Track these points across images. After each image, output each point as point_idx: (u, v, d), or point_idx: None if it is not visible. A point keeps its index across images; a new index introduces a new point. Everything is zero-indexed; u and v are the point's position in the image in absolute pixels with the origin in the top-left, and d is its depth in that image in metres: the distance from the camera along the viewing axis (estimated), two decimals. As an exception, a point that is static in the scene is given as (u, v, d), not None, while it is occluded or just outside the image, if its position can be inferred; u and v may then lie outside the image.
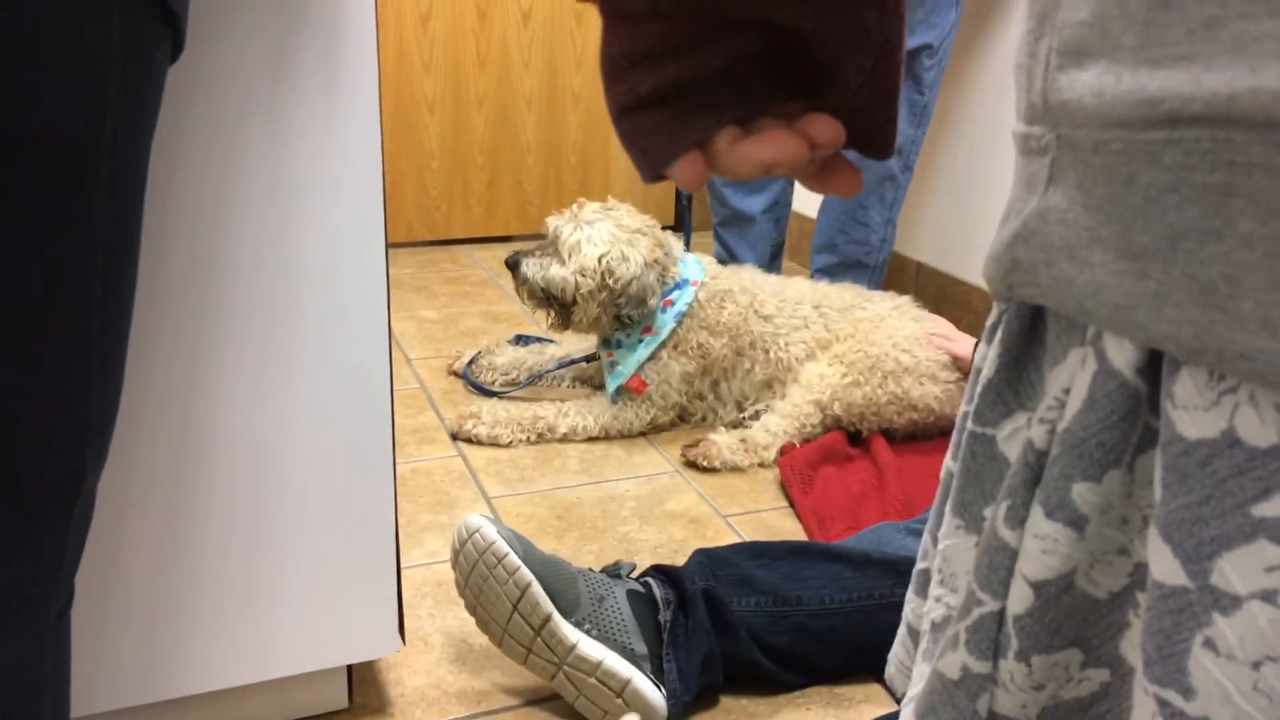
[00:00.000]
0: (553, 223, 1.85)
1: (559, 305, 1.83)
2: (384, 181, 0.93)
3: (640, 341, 1.82)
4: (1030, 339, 0.40)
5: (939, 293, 2.44)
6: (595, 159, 3.18)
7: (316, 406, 0.95)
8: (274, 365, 0.93)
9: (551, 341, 2.12)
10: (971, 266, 2.38)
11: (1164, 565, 0.33)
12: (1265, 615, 0.30)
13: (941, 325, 1.88)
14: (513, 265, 1.86)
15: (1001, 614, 0.40)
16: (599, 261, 1.76)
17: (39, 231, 0.55)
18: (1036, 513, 0.38)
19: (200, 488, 0.93)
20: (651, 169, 0.39)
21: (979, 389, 0.42)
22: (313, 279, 0.92)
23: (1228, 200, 0.30)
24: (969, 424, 0.43)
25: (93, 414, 0.61)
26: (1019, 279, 0.38)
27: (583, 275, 1.76)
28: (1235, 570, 0.31)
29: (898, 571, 1.18)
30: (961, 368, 1.80)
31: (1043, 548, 0.37)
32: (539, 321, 2.36)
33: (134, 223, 0.62)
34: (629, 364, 1.81)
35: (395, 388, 1.95)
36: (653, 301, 1.79)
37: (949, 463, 0.46)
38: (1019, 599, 0.39)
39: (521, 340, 2.17)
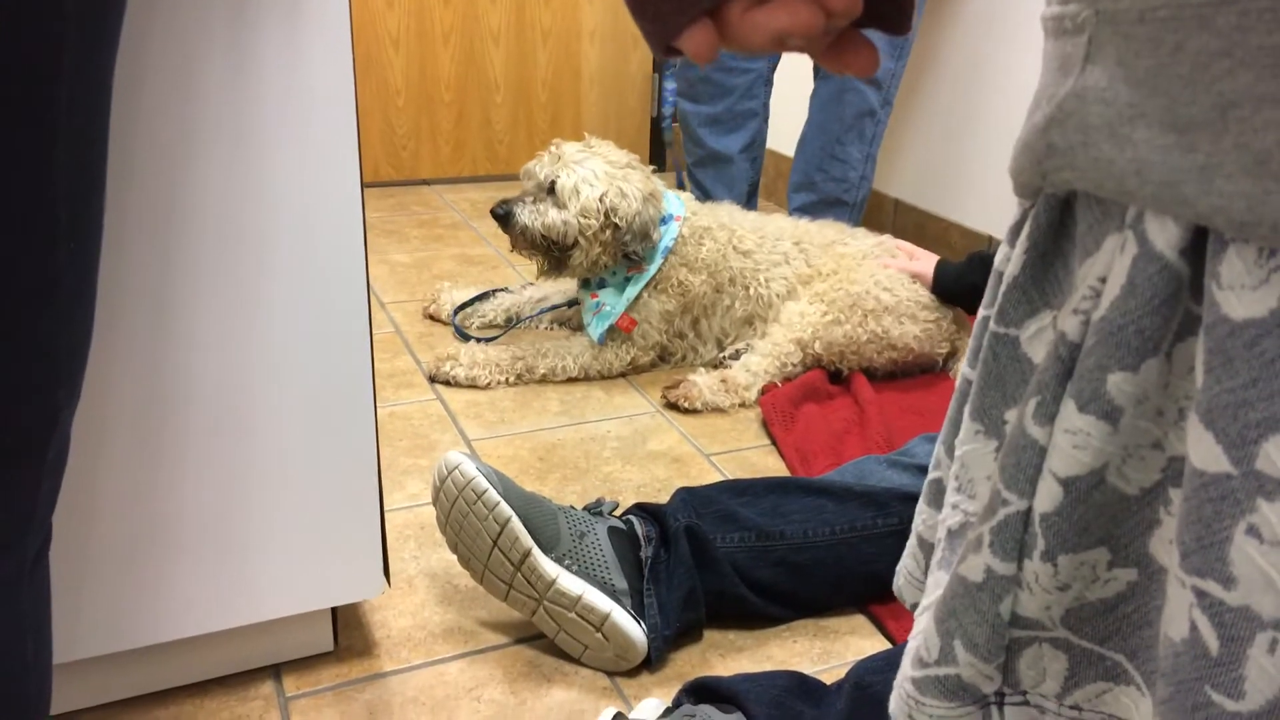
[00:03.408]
0: (537, 167, 1.78)
1: (558, 250, 1.77)
2: (357, 116, 0.90)
3: (628, 280, 1.80)
4: (1058, 234, 0.39)
5: (918, 230, 2.44)
6: (566, 96, 3.11)
7: (294, 349, 0.93)
8: (250, 307, 0.90)
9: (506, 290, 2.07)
10: (951, 203, 2.37)
11: (1205, 452, 0.32)
12: None
13: (903, 245, 1.88)
14: (504, 215, 1.78)
15: (1028, 514, 0.39)
16: (600, 201, 1.72)
17: None
18: (1068, 407, 0.37)
19: (179, 432, 0.91)
20: (661, 39, 0.37)
21: (1002, 289, 0.41)
22: (287, 220, 0.89)
23: (1241, 67, 0.29)
24: (990, 326, 0.42)
25: (63, 351, 0.58)
26: (1054, 164, 0.37)
27: (584, 217, 1.72)
28: (1276, 455, 0.30)
29: (879, 503, 1.19)
30: (924, 284, 1.79)
31: (1074, 443, 0.37)
32: (515, 265, 2.33)
33: (98, 152, 0.59)
34: (618, 303, 1.79)
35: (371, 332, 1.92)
36: (655, 234, 1.77)
37: (965, 370, 0.45)
38: (1047, 497, 0.38)
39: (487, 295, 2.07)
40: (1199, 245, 0.33)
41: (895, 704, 0.47)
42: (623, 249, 1.75)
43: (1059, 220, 0.39)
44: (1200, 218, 0.32)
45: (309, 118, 0.87)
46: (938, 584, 0.45)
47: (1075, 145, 0.35)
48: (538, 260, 1.82)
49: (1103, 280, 0.36)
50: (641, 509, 1.18)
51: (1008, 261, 0.42)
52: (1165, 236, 0.33)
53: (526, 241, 1.78)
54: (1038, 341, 0.40)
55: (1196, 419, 0.33)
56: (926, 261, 1.80)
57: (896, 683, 0.47)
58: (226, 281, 0.89)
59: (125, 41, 0.65)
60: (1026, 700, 0.44)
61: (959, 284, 1.75)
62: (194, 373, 0.90)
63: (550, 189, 1.76)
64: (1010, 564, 0.40)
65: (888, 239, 1.91)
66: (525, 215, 1.76)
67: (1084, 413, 0.36)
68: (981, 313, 0.44)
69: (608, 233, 1.73)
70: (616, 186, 1.73)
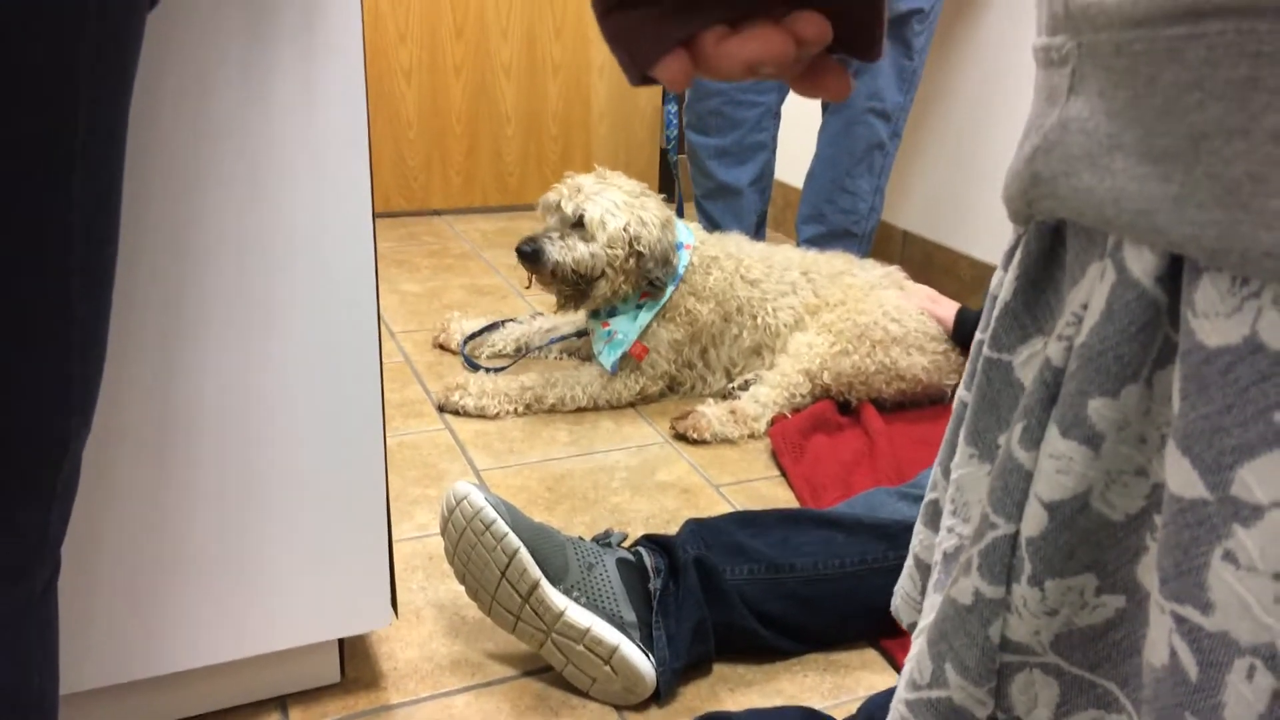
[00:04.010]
0: (561, 201, 1.77)
1: (584, 283, 1.77)
2: (369, 147, 0.91)
3: (640, 307, 1.80)
4: (1049, 261, 0.40)
5: (926, 260, 2.44)
6: (576, 128, 3.14)
7: (305, 379, 0.93)
8: (260, 338, 0.91)
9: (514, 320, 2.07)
10: (960, 234, 2.37)
11: (1182, 478, 0.32)
12: (1271, 523, 0.30)
13: (923, 290, 1.88)
14: (533, 253, 1.75)
15: (1015, 537, 0.40)
16: (625, 230, 1.73)
17: (14, 190, 0.52)
18: (1052, 431, 0.37)
19: (188, 462, 0.91)
20: (636, 69, 0.38)
21: (995, 314, 0.41)
22: (299, 249, 0.90)
23: (1253, 94, 0.29)
24: (984, 350, 0.42)
25: (75, 381, 0.59)
26: (1038, 193, 0.37)
27: (611, 248, 1.73)
28: (1257, 479, 0.30)
29: (890, 536, 1.18)
30: (946, 331, 1.80)
31: (1058, 467, 0.37)
32: (524, 295, 2.34)
33: (114, 183, 0.60)
34: (631, 331, 1.79)
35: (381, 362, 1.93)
36: (674, 259, 1.77)
37: (962, 393, 0.45)
38: (1033, 521, 0.38)
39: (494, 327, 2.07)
40: (1175, 273, 0.33)
41: None
42: (646, 276, 1.75)
43: (1050, 247, 0.39)
44: (1174, 246, 0.32)
45: (323, 149, 0.88)
46: (933, 607, 0.45)
47: (1058, 175, 0.36)
48: (559, 294, 1.81)
49: (1085, 307, 0.37)
50: (650, 540, 1.17)
51: (1001, 286, 0.42)
52: (1142, 264, 0.34)
53: (557, 278, 1.77)
54: (1030, 367, 0.41)
55: (1174, 445, 0.33)
56: (948, 307, 1.81)
57: (892, 706, 0.47)
58: (238, 311, 0.89)
59: (141, 73, 0.66)
60: None
61: None
62: (204, 402, 0.90)
63: (577, 223, 1.75)
64: (998, 587, 0.40)
65: (895, 270, 1.91)
66: (556, 252, 1.75)
67: (1066, 438, 0.36)
68: (977, 336, 0.44)
69: (631, 261, 1.74)
70: (637, 215, 1.74)
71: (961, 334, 1.77)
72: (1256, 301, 0.30)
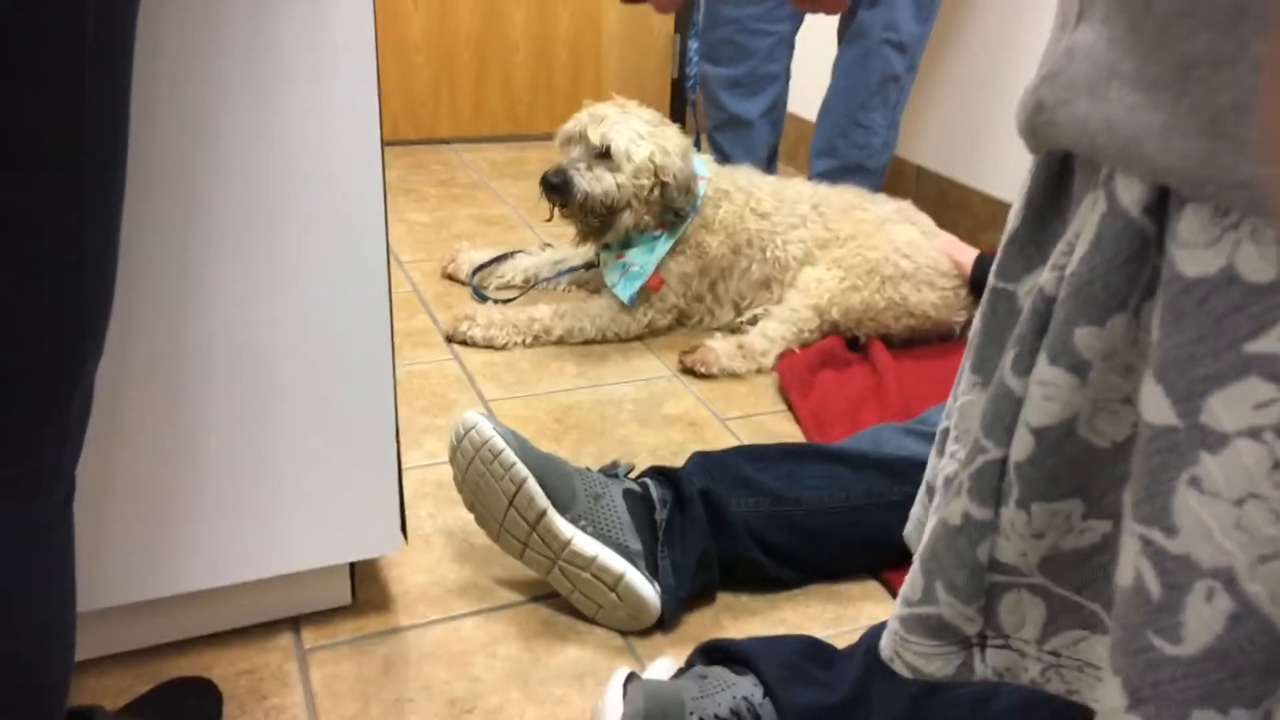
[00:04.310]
0: (589, 131, 1.72)
1: (608, 214, 1.75)
2: (378, 73, 0.89)
3: (656, 238, 1.78)
4: (1057, 192, 0.40)
5: (939, 197, 2.41)
6: (587, 56, 3.08)
7: (315, 306, 0.93)
8: (269, 265, 0.90)
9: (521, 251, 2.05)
10: (974, 170, 2.34)
11: (1155, 405, 0.34)
12: (1251, 452, 0.31)
13: (946, 237, 1.86)
14: (562, 185, 1.72)
15: (1004, 462, 0.41)
16: (650, 160, 1.70)
17: (23, 114, 0.52)
18: (1041, 359, 0.38)
19: (200, 388, 0.91)
20: None
21: (1002, 244, 0.42)
22: (307, 176, 0.89)
23: (1241, 22, 0.29)
24: (991, 280, 0.43)
25: (87, 305, 0.59)
26: (1040, 120, 0.37)
27: (637, 178, 1.71)
28: (1225, 408, 0.31)
29: (895, 471, 1.19)
30: (963, 275, 1.79)
31: (1045, 394, 0.38)
32: (533, 226, 2.32)
33: (122, 111, 0.59)
34: (648, 262, 1.77)
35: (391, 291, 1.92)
36: (695, 187, 1.75)
37: (976, 323, 0.46)
38: (1021, 446, 0.39)
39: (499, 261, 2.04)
40: (1163, 204, 0.34)
41: (884, 642, 0.48)
42: (670, 206, 1.74)
43: (1057, 177, 0.39)
44: (1159, 175, 0.32)
45: (330, 74, 0.87)
46: (930, 529, 0.46)
47: (1059, 102, 0.36)
48: (583, 226, 1.79)
49: (1079, 236, 0.37)
50: (657, 472, 1.18)
51: (1011, 216, 0.42)
52: (1131, 194, 0.34)
53: (585, 210, 1.74)
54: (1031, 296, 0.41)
55: (1149, 373, 0.34)
56: (966, 253, 1.79)
57: (888, 621, 0.48)
58: (247, 238, 0.89)
59: (145, 6, 0.65)
60: (1008, 644, 0.45)
61: None
62: (215, 329, 0.90)
63: (602, 154, 1.72)
64: (987, 510, 0.42)
65: (907, 205, 1.89)
66: (585, 183, 1.72)
67: (1054, 365, 0.37)
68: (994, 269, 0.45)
69: (655, 191, 1.72)
70: (659, 144, 1.72)
71: (978, 279, 1.76)
72: (1235, 233, 0.31)
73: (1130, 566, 0.36)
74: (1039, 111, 0.37)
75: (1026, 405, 0.39)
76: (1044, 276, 0.38)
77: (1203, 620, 0.33)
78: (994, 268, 0.43)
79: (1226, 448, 0.31)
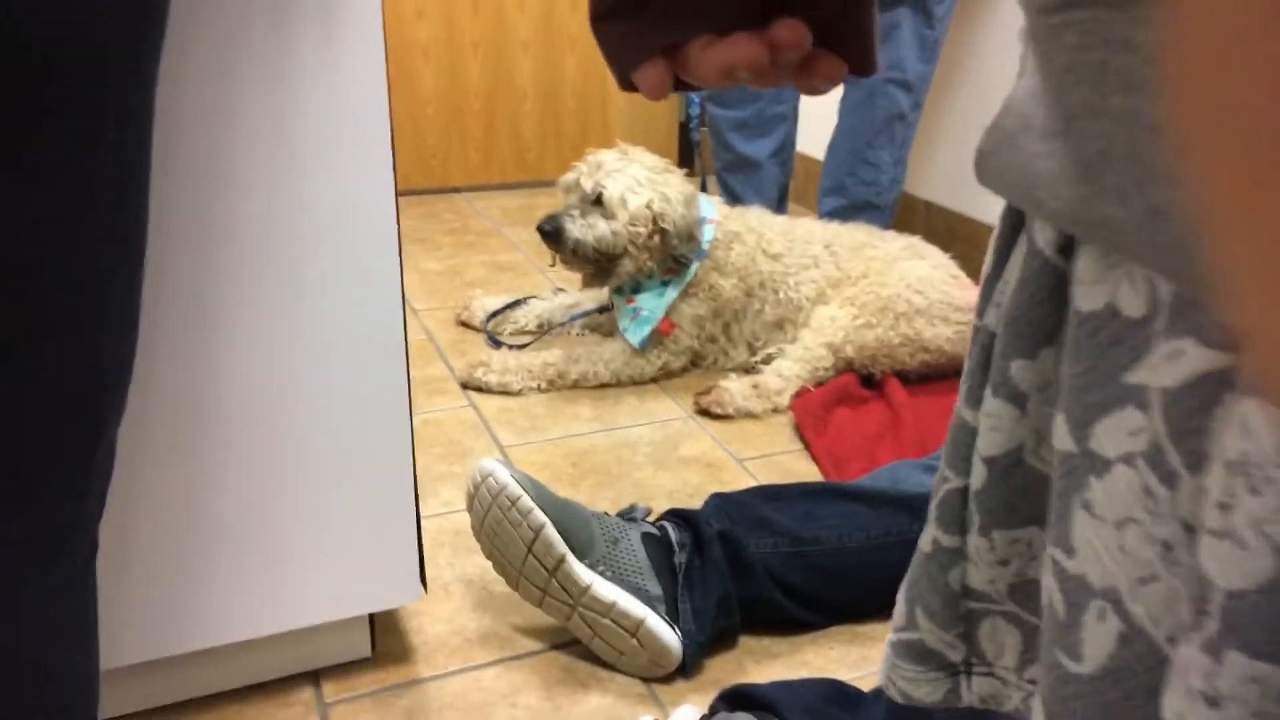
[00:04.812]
0: (580, 179, 1.76)
1: (606, 261, 1.77)
2: (391, 126, 0.91)
3: (666, 283, 1.80)
4: (1013, 233, 0.42)
5: (949, 231, 2.42)
6: (594, 103, 3.12)
7: (332, 358, 0.94)
8: (287, 318, 0.91)
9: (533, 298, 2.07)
10: (982, 204, 2.35)
11: (1059, 432, 0.36)
12: (1124, 478, 0.33)
13: (963, 280, 1.85)
14: (554, 231, 1.75)
15: (965, 491, 0.43)
16: (648, 208, 1.72)
17: (41, 170, 0.53)
18: (987, 391, 0.40)
19: (218, 441, 0.92)
20: (621, 74, 0.40)
21: (980, 284, 0.45)
22: (324, 229, 0.90)
23: (1105, 77, 0.32)
24: (973, 318, 0.45)
25: (106, 361, 0.60)
26: (980, 168, 0.40)
27: (634, 225, 1.72)
28: (1107, 435, 0.33)
29: (913, 508, 1.18)
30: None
31: (990, 424, 0.40)
32: (546, 271, 2.34)
33: (141, 159, 0.60)
34: (658, 307, 1.78)
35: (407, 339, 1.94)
36: (699, 234, 1.76)
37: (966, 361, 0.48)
38: (976, 475, 0.41)
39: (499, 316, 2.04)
40: (1071, 244, 0.36)
41: (881, 668, 0.49)
42: (671, 253, 1.75)
43: (1013, 220, 0.42)
44: (1050, 218, 0.35)
45: (345, 129, 0.88)
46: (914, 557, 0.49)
47: (991, 151, 0.38)
48: (582, 271, 1.81)
49: (1012, 274, 0.40)
50: (675, 515, 1.18)
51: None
52: (1044, 236, 0.37)
53: (578, 256, 1.77)
54: None
55: (1060, 402, 0.36)
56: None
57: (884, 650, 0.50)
58: (265, 290, 0.90)
59: (167, 55, 0.66)
60: (992, 672, 0.47)
61: None
62: (233, 382, 0.91)
63: (597, 200, 1.75)
64: (953, 537, 0.44)
65: (917, 241, 1.89)
66: (576, 230, 1.75)
67: (995, 396, 0.39)
68: None
69: (655, 239, 1.74)
70: (659, 191, 1.74)
71: None
72: (1117, 271, 0.33)
73: (1045, 587, 0.38)
74: (979, 160, 0.39)
75: (979, 436, 0.41)
76: (989, 314, 0.41)
77: (1097, 640, 0.34)
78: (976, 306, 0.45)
79: (1109, 473, 0.33)
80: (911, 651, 0.47)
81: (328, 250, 0.91)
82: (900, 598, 0.48)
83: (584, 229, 1.74)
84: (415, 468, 1.03)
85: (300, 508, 0.97)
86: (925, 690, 0.46)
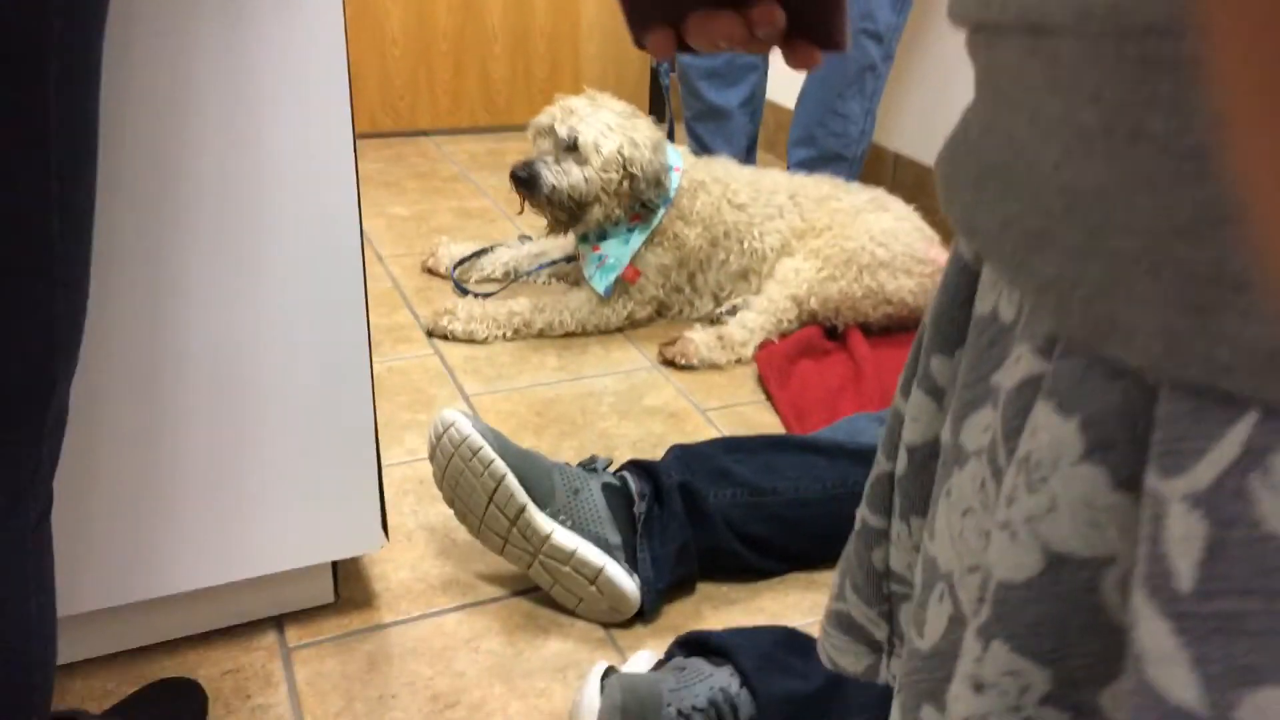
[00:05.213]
0: (555, 125, 1.74)
1: (577, 207, 1.76)
2: (349, 67, 0.90)
3: (632, 230, 1.79)
4: None
5: (917, 183, 2.42)
6: (564, 46, 3.08)
7: (290, 304, 0.94)
8: (245, 264, 0.91)
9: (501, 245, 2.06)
10: (948, 157, 2.35)
11: (946, 426, 0.38)
12: (971, 470, 0.35)
13: (927, 232, 1.86)
14: (530, 178, 1.73)
15: (892, 476, 0.45)
16: (619, 153, 1.71)
17: None
18: (914, 383, 0.42)
19: (177, 390, 0.92)
20: (635, 37, 0.47)
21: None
22: (279, 173, 0.89)
23: (999, 97, 0.34)
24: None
25: (59, 320, 0.59)
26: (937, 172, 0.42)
27: (605, 172, 1.71)
28: (970, 430, 0.35)
29: (869, 460, 1.19)
30: None
31: (912, 414, 0.42)
32: (512, 218, 2.32)
33: (89, 118, 0.59)
34: (623, 254, 1.78)
35: (368, 286, 1.92)
36: (665, 181, 1.76)
37: None
38: (900, 462, 0.43)
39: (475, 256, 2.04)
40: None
41: (819, 639, 0.51)
42: (638, 198, 1.74)
43: None
44: (955, 225, 0.37)
45: (301, 70, 0.87)
46: None
47: (939, 162, 0.40)
48: (551, 218, 1.80)
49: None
50: (636, 465, 1.19)
51: None
52: (965, 245, 0.39)
53: (553, 203, 1.75)
54: None
55: (950, 398, 0.38)
56: None
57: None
58: (222, 239, 0.89)
59: (117, 8, 0.65)
60: None
61: None
62: (191, 331, 0.91)
63: (571, 146, 1.73)
64: (880, 518, 0.46)
65: (881, 193, 1.90)
66: (552, 176, 1.73)
67: (918, 389, 0.41)
68: None
69: (624, 184, 1.73)
70: (629, 137, 1.73)
71: None
72: (1003, 279, 0.35)
73: (917, 568, 0.40)
74: (937, 165, 0.41)
75: (905, 424, 0.43)
76: (927, 312, 0.43)
77: (935, 619, 0.36)
78: None
79: (965, 465, 0.35)
80: (840, 622, 0.49)
81: (285, 196, 0.90)
82: (837, 569, 0.50)
83: (559, 174, 1.73)
84: (376, 417, 1.03)
85: (261, 457, 0.98)
86: (849, 660, 0.49)
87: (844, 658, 0.49)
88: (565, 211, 1.77)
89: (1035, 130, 0.30)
